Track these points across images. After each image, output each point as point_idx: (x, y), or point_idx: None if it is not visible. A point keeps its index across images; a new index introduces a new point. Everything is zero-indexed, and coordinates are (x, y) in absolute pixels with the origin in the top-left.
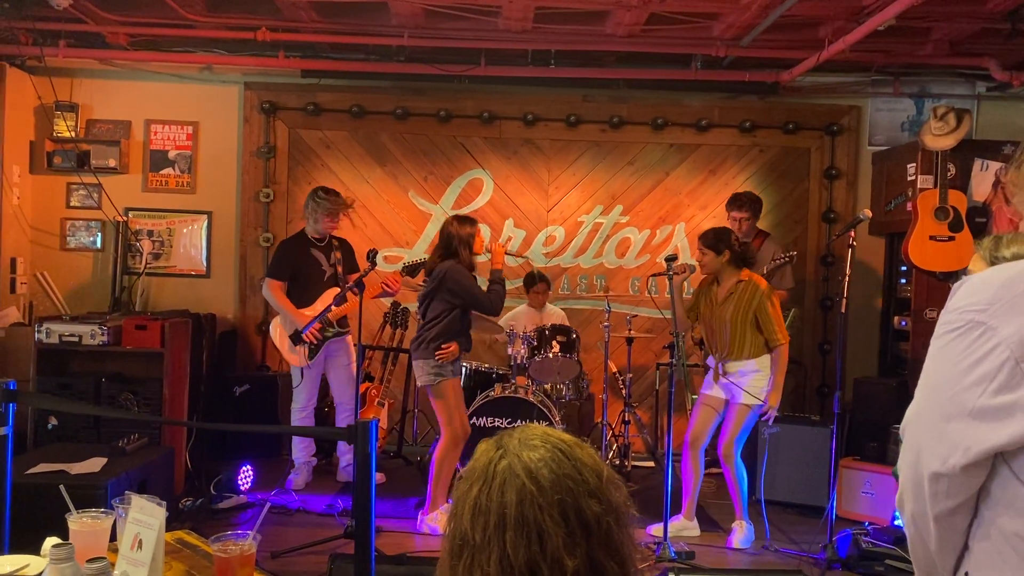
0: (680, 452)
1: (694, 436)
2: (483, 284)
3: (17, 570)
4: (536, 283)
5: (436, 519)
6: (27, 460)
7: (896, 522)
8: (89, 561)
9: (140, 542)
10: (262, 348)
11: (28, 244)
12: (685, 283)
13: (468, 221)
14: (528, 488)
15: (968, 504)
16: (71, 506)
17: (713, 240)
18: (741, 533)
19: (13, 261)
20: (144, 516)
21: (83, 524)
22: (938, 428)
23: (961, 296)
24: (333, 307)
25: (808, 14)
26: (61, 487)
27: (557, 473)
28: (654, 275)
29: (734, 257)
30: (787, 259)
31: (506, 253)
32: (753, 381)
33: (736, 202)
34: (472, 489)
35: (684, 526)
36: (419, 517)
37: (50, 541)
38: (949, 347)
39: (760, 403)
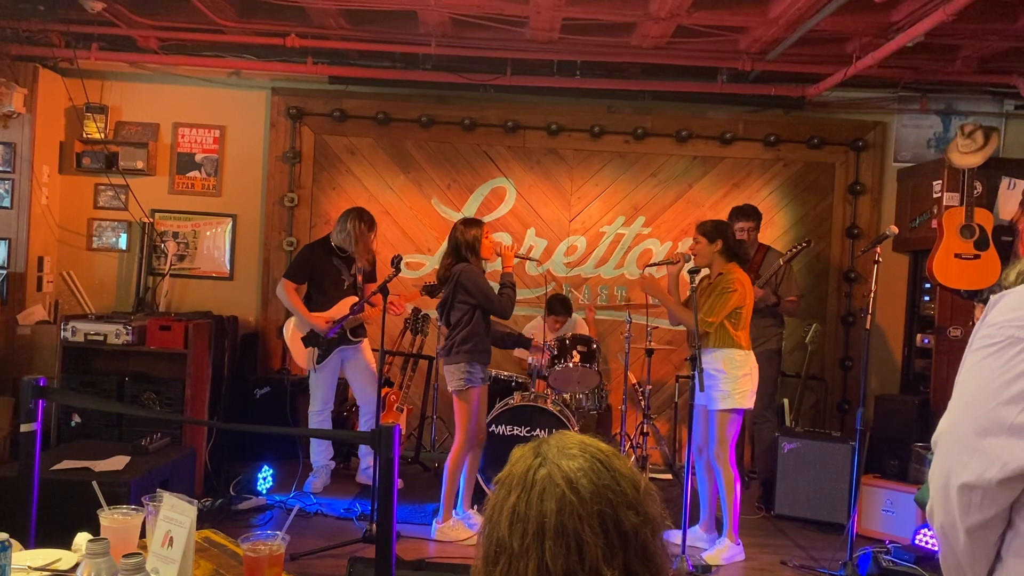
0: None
1: (698, 445)
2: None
3: (49, 564)
4: (559, 313)
5: (453, 526)
6: (52, 456)
7: (917, 539)
8: (125, 556)
9: (171, 539)
10: (283, 351)
11: (55, 243)
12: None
13: (475, 224)
14: (568, 498)
15: (1001, 516)
16: (103, 502)
17: (710, 228)
18: (718, 549)
19: (40, 260)
20: (176, 514)
21: (114, 520)
22: (973, 442)
23: (1000, 311)
24: (350, 316)
25: (836, 29)
26: (94, 483)
27: (597, 484)
28: (650, 265)
29: (726, 248)
30: (805, 244)
31: (516, 256)
32: (720, 385)
33: (742, 213)
34: (510, 496)
35: (702, 538)
36: (433, 524)
37: (83, 536)
38: (987, 362)
39: (739, 407)
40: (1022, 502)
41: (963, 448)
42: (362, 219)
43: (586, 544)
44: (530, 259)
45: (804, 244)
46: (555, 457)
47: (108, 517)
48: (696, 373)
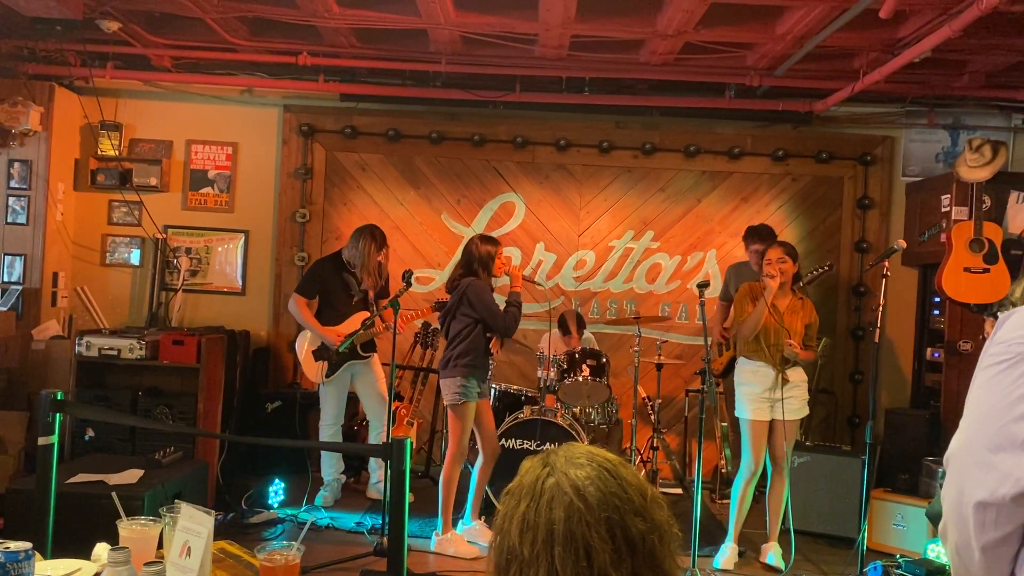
0: (707, 479)
1: (778, 456)
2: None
3: (70, 573)
4: (575, 329)
5: (452, 539)
6: (67, 470)
7: (928, 553)
8: (146, 565)
9: (189, 549)
10: (294, 366)
11: (70, 259)
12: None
13: (490, 241)
14: (576, 505)
15: (1016, 534)
16: (122, 513)
17: (793, 251)
18: (779, 553)
19: (55, 275)
20: (193, 524)
21: (133, 531)
22: (986, 459)
23: (1009, 328)
24: (361, 331)
25: (843, 45)
26: (113, 494)
27: (604, 491)
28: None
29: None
30: (828, 267)
31: (524, 279)
32: (802, 393)
33: (756, 235)
34: (520, 505)
35: (736, 551)
36: (432, 537)
37: (102, 546)
38: (997, 379)
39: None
40: None
41: (976, 466)
42: (374, 238)
43: (594, 550)
44: (536, 283)
45: (826, 267)
46: (563, 466)
47: (127, 528)
48: (708, 386)
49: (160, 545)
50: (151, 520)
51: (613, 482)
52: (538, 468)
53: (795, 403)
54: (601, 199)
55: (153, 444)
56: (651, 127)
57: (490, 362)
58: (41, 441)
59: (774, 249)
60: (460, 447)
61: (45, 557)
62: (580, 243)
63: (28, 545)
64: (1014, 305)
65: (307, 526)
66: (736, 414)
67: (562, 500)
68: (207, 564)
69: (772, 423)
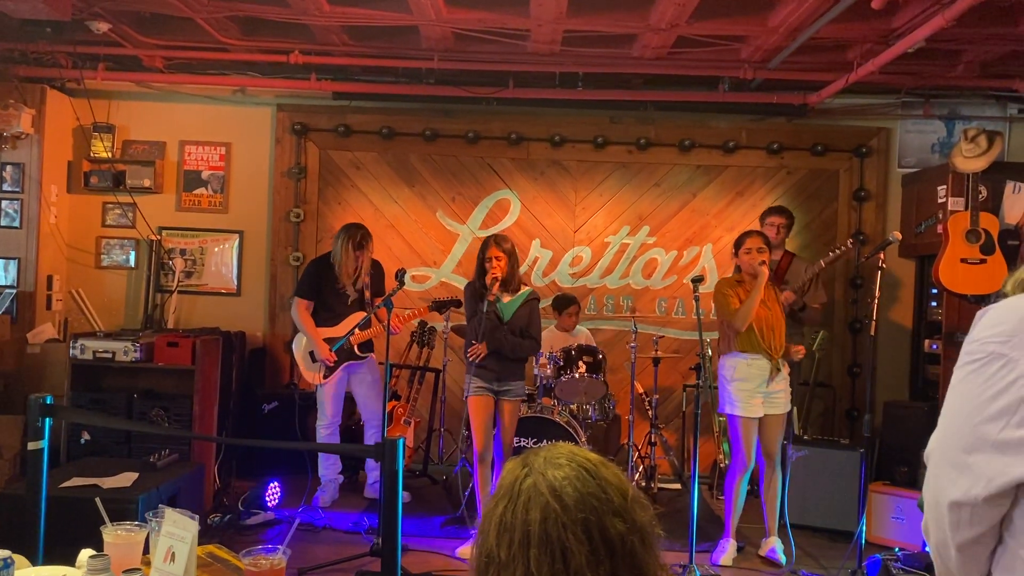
0: (705, 474)
1: (771, 451)
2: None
3: None
4: (570, 305)
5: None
6: (61, 474)
7: (927, 548)
8: (126, 572)
9: (173, 555)
10: (290, 366)
11: (64, 262)
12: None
13: (483, 246)
14: (552, 506)
15: (991, 533)
16: (106, 518)
17: (768, 239)
18: (782, 548)
19: (50, 278)
20: (177, 529)
21: (118, 536)
22: (960, 459)
23: (983, 327)
24: (357, 331)
25: (836, 36)
26: (97, 500)
27: (581, 492)
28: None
29: None
30: (846, 248)
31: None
32: (787, 386)
33: (776, 210)
34: (497, 507)
35: (736, 547)
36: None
37: (86, 553)
38: (970, 378)
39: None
40: (1010, 518)
41: (950, 465)
42: (350, 236)
43: (570, 552)
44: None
45: (845, 248)
46: (541, 467)
47: (111, 533)
48: (704, 380)
49: (147, 550)
50: (137, 525)
51: (592, 482)
52: (517, 469)
53: (784, 396)
54: (596, 195)
55: (149, 446)
56: (646, 122)
57: (503, 364)
58: (30, 446)
59: (753, 239)
60: (477, 443)
61: (36, 563)
62: (576, 239)
63: (7, 553)
64: (1007, 296)
65: (292, 528)
66: (724, 410)
67: (538, 501)
68: (191, 569)
69: (762, 418)
